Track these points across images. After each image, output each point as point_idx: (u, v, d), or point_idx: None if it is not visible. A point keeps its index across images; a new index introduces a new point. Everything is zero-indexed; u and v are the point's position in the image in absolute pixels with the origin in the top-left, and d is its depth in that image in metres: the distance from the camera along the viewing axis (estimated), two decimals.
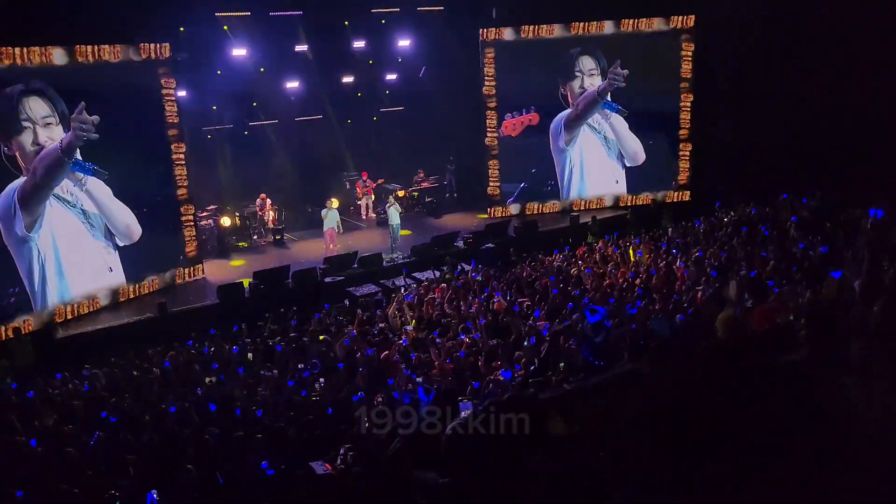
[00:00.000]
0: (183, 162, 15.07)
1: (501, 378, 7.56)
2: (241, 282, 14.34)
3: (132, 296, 14.34)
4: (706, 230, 13.65)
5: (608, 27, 17.69)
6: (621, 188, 18.55)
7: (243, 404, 8.46)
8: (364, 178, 19.10)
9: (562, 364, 7.56)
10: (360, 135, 19.85)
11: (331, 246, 16.18)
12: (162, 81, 14.54)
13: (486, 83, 17.97)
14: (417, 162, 19.88)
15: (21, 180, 12.57)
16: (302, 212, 18.55)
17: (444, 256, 15.17)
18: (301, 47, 17.64)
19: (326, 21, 17.72)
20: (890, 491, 1.24)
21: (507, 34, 17.83)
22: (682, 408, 0.79)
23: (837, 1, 15.05)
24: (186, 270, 15.33)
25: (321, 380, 9.17)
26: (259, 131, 18.53)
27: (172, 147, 14.89)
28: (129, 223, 14.24)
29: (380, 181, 19.28)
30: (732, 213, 14.56)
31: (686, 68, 17.89)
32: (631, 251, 12.82)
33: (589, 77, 17.88)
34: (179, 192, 15.14)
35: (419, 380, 8.36)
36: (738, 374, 0.83)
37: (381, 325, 11.04)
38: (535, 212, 18.43)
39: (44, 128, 12.76)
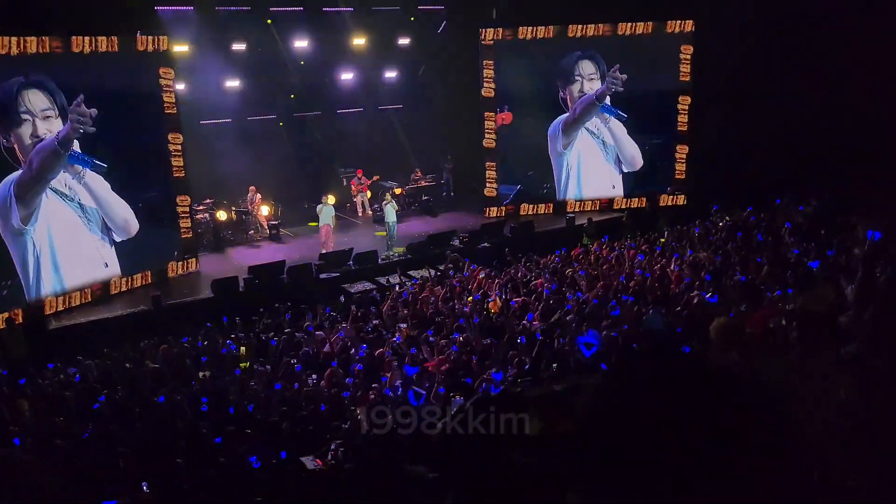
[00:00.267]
0: (180, 152, 15.04)
1: (493, 378, 7.58)
2: (236, 277, 14.27)
3: (125, 288, 14.30)
4: (701, 234, 13.69)
5: (606, 30, 17.71)
6: (618, 193, 18.59)
7: (236, 399, 8.45)
8: (359, 175, 19.07)
9: (554, 365, 7.59)
10: (358, 132, 19.82)
11: (328, 243, 16.15)
12: (161, 71, 14.50)
13: (486, 84, 17.97)
14: (415, 160, 19.88)
15: (18, 173, 12.51)
16: (298, 208, 18.53)
17: (442, 254, 15.18)
18: (300, 43, 17.64)
19: (326, 17, 17.70)
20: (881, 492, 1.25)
21: (507, 34, 17.83)
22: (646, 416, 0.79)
23: (834, 4, 15.09)
24: (180, 264, 15.30)
25: (314, 376, 9.17)
26: (257, 126, 18.50)
27: (170, 137, 14.86)
28: (126, 217, 14.20)
29: (375, 178, 19.26)
30: (728, 217, 14.60)
31: (684, 71, 17.92)
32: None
33: (589, 81, 17.90)
34: (176, 182, 15.10)
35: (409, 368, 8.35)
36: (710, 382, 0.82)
37: (375, 321, 11.04)
38: (530, 212, 18.44)
39: (43, 120, 12.71)
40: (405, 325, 10.46)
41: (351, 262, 15.06)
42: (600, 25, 17.66)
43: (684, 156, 18.38)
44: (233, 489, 6.17)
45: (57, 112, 12.86)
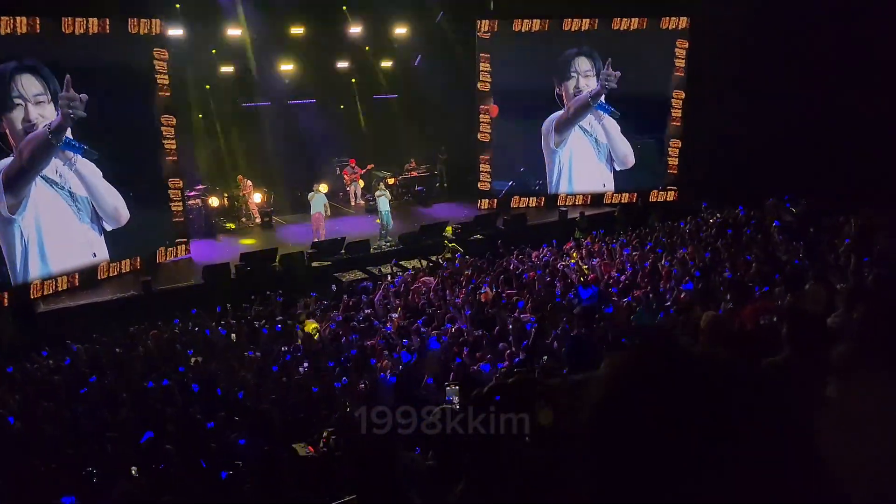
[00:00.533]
0: (173, 135, 14.92)
1: (481, 370, 7.61)
2: (228, 263, 14.21)
3: (114, 273, 14.21)
4: (692, 230, 13.76)
5: (601, 24, 17.69)
6: (609, 191, 18.62)
7: (226, 386, 8.45)
8: (352, 164, 19.00)
9: (545, 357, 7.63)
10: (352, 121, 19.74)
11: (319, 231, 16.10)
12: (154, 52, 14.37)
13: (482, 78, 17.90)
14: (409, 151, 19.83)
15: (7, 161, 12.34)
16: (291, 195, 18.46)
17: (435, 245, 15.18)
18: (297, 30, 17.51)
19: (323, 5, 17.58)
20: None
21: (503, 26, 17.76)
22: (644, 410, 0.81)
23: (828, 1, 15.15)
24: (171, 250, 15.22)
25: (304, 364, 9.18)
26: (251, 113, 18.37)
27: (162, 119, 14.74)
28: (117, 206, 14.08)
29: (369, 167, 19.20)
30: (718, 214, 14.68)
31: (679, 66, 17.96)
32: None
33: (584, 78, 17.86)
34: (168, 164, 15.00)
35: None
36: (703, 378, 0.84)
37: (366, 311, 11.06)
38: (521, 205, 18.46)
39: (35, 105, 12.56)
40: (396, 315, 10.49)
41: (343, 251, 15.05)
42: (595, 19, 17.63)
43: (677, 151, 18.44)
44: (223, 474, 6.19)
45: (49, 97, 12.72)
